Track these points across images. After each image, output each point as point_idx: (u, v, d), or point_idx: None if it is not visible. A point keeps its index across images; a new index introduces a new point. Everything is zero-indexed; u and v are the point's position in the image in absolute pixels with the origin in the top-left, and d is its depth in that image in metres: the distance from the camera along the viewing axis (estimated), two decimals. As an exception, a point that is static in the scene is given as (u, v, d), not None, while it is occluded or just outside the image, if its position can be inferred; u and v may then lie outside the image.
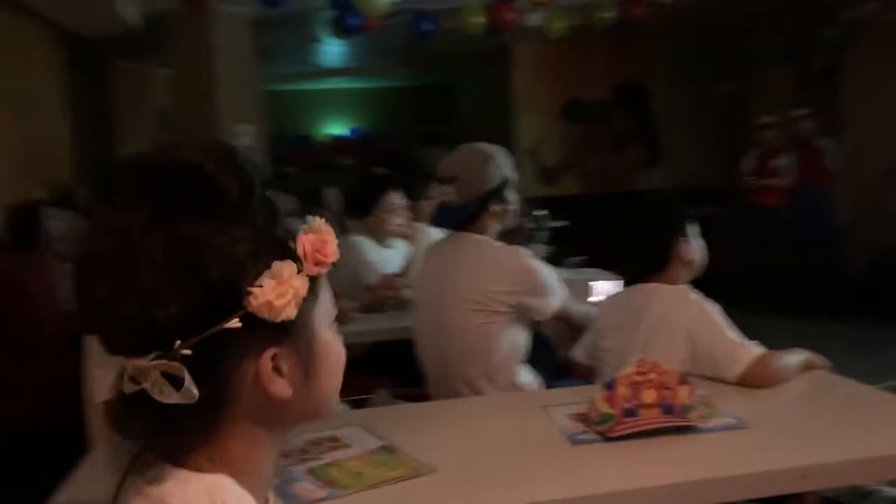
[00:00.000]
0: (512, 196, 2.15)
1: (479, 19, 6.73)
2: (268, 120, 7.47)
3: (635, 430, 1.39)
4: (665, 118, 8.03)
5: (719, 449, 1.37)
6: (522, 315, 2.08)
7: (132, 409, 0.65)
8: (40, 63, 5.97)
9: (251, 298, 0.63)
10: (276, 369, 0.67)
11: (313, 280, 0.69)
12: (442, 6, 6.78)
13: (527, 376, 2.16)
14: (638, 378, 1.41)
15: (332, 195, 5.54)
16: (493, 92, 9.36)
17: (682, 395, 1.41)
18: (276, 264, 0.64)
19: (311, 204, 5.42)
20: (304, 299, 0.67)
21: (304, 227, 0.70)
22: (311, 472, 1.30)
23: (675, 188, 6.75)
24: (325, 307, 0.73)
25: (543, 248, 3.69)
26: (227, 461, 0.68)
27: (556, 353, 2.37)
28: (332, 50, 9.13)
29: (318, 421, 0.78)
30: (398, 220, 3.07)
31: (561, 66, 8.20)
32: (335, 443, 1.43)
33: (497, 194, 2.10)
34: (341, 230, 3.86)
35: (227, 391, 0.66)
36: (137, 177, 0.65)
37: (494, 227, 2.13)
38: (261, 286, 0.63)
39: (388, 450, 1.39)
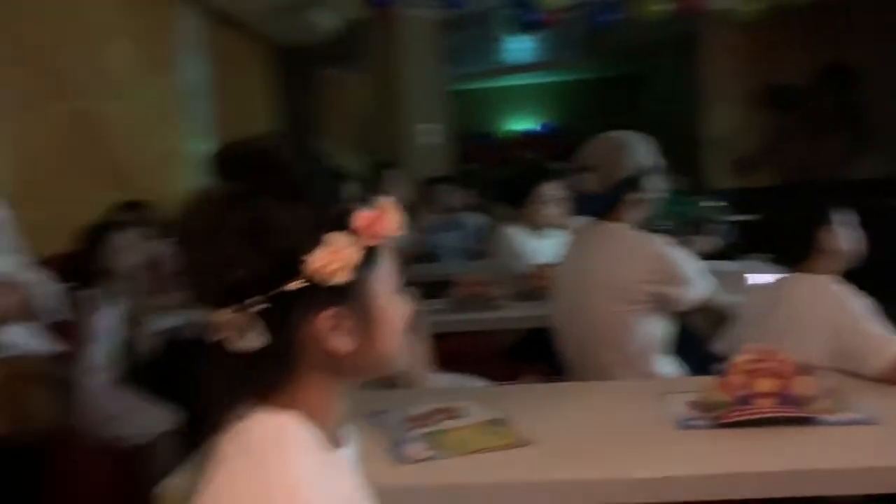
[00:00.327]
0: (652, 185, 2.13)
1: (664, 6, 6.54)
2: (453, 118, 7.76)
3: (748, 417, 1.36)
4: (878, 101, 7.28)
5: (838, 441, 1.30)
6: (661, 305, 2.05)
7: (219, 362, 0.80)
8: (254, 73, 6.70)
9: (306, 265, 0.75)
10: (336, 327, 0.79)
11: (371, 250, 0.80)
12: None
13: (668, 367, 2.13)
14: (754, 366, 1.38)
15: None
16: (682, 81, 9.02)
17: (801, 385, 1.35)
18: (329, 236, 0.76)
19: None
20: (361, 267, 0.78)
21: (368, 204, 0.82)
22: (423, 436, 1.42)
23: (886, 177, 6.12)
24: (387, 275, 0.83)
25: (715, 242, 3.56)
26: (298, 404, 0.80)
27: (703, 345, 2.31)
28: (516, 46, 9.29)
29: (378, 375, 0.89)
30: (553, 210, 3.10)
31: (754, 52, 7.69)
32: (451, 413, 1.53)
33: (632, 183, 2.09)
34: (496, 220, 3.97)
35: (294, 344, 0.78)
36: (227, 160, 0.80)
37: (633, 215, 2.12)
38: (314, 255, 0.75)
39: (497, 422, 1.47)
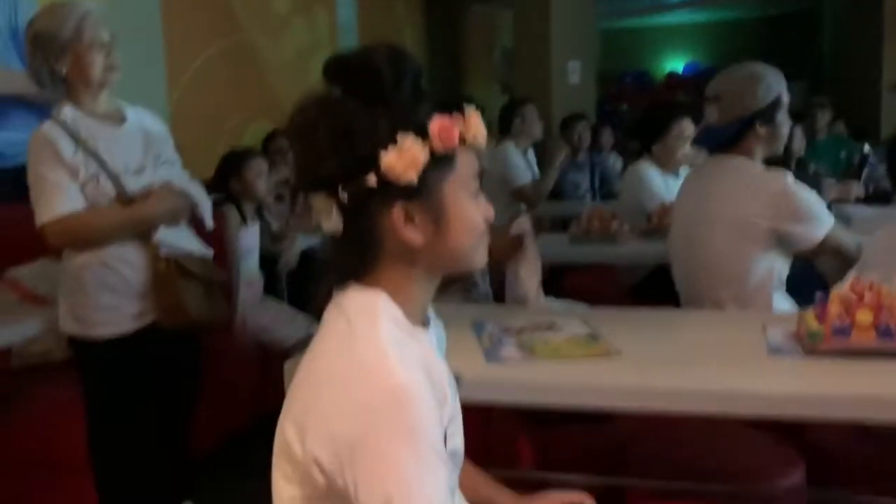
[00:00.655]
0: (783, 120, 2.07)
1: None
2: (597, 57, 7.58)
3: (844, 348, 1.36)
4: None
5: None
6: (782, 243, 2.01)
7: (326, 238, 0.94)
8: (400, 9, 6.87)
9: (381, 163, 0.86)
10: (407, 221, 0.90)
11: (445, 154, 0.90)
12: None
13: (785, 307, 2.09)
14: (854, 297, 1.37)
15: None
16: (860, 20, 8.27)
17: (903, 319, 1.33)
18: (403, 138, 0.87)
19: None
20: (434, 168, 0.89)
21: (454, 113, 0.92)
22: (520, 343, 1.53)
23: None
24: (462, 179, 0.93)
25: (858, 186, 3.37)
26: (384, 285, 0.93)
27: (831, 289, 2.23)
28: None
29: (462, 270, 0.99)
30: (687, 148, 3.06)
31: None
32: (550, 327, 1.63)
33: (765, 115, 2.03)
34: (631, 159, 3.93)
35: (373, 232, 0.91)
36: (332, 67, 0.92)
37: (760, 150, 2.07)
38: (389, 154, 0.86)
39: (591, 336, 1.55)
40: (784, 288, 2.09)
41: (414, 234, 0.90)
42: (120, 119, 1.98)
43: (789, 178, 2.00)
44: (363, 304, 0.92)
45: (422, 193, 0.89)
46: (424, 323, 1.00)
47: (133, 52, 3.41)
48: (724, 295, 2.06)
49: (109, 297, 1.91)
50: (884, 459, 1.62)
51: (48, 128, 1.85)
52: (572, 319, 1.68)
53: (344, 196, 0.88)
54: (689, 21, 10.69)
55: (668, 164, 3.14)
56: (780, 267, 2.05)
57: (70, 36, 1.84)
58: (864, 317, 1.35)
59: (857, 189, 3.39)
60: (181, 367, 2.09)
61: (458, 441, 0.96)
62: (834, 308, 1.38)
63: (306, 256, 3.38)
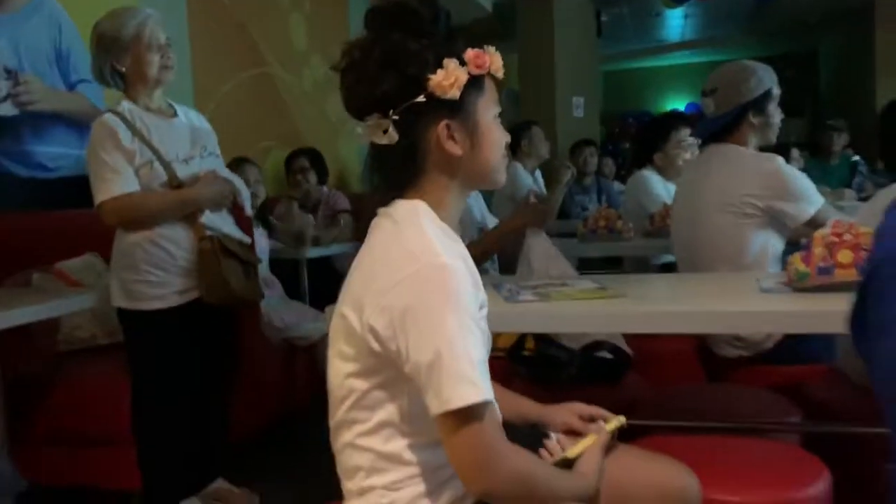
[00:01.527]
0: (774, 111, 2.26)
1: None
2: (600, 95, 7.85)
3: (829, 284, 1.51)
4: None
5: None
6: (775, 220, 2.17)
7: (371, 161, 1.12)
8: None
9: (429, 81, 1.05)
10: (450, 136, 1.08)
11: (478, 79, 1.08)
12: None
13: (781, 282, 2.24)
14: (834, 238, 1.53)
15: None
16: (854, 56, 8.58)
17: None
18: (447, 61, 1.05)
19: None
20: (469, 90, 1.07)
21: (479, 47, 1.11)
22: (537, 293, 1.69)
23: None
24: (489, 101, 1.12)
25: (850, 193, 3.54)
26: (425, 196, 1.11)
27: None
28: (675, 23, 9.19)
29: (488, 186, 1.17)
30: (686, 156, 3.25)
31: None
32: (563, 284, 1.79)
33: (757, 105, 2.22)
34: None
35: (421, 144, 1.09)
36: (375, 13, 1.11)
37: (753, 139, 2.26)
38: (435, 75, 1.05)
39: (600, 288, 1.71)
40: (780, 265, 2.25)
41: (454, 147, 1.08)
42: (171, 114, 2.19)
43: (781, 160, 2.18)
44: (408, 209, 1.10)
45: (461, 111, 1.08)
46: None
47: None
48: (722, 270, 2.22)
49: (158, 273, 2.08)
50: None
51: (109, 118, 2.06)
52: (583, 280, 1.85)
53: (395, 114, 1.06)
54: (691, 62, 11.04)
55: (668, 172, 3.33)
56: (774, 243, 2.21)
57: (131, 37, 2.07)
58: (844, 257, 1.51)
59: (849, 194, 3.57)
60: (222, 342, 2.25)
61: (485, 326, 1.12)
62: (818, 250, 1.54)
63: (326, 263, 3.56)
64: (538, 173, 4.49)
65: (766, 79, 2.24)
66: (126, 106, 2.10)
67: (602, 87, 8.35)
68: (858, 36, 8.28)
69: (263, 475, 2.60)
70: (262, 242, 3.25)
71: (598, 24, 7.44)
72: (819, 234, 1.55)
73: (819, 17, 8.60)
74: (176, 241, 2.10)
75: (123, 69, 2.10)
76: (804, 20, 8.84)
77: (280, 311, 3.16)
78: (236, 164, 3.34)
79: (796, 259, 1.58)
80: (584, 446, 1.18)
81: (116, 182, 2.01)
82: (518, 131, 4.34)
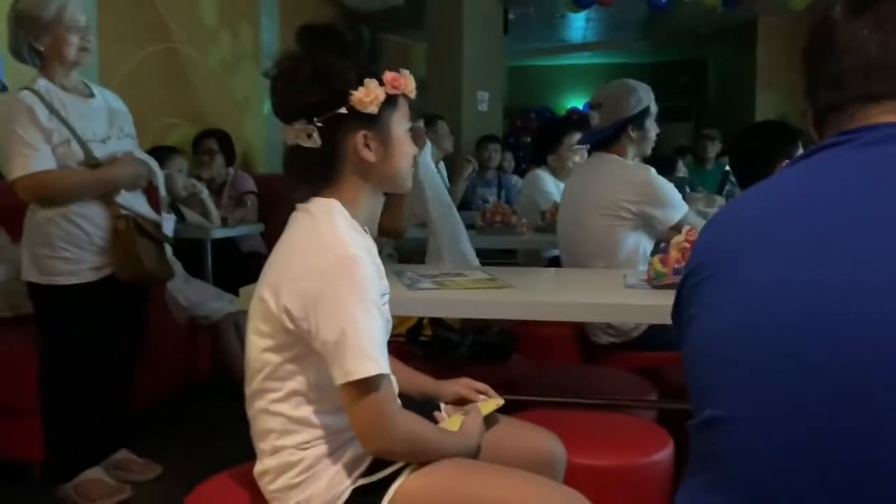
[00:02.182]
0: (651, 126, 2.54)
1: (716, -8, 6.78)
2: (505, 91, 8.13)
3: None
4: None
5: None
6: (646, 223, 2.45)
7: (293, 160, 1.27)
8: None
9: (351, 97, 1.21)
10: (367, 145, 1.25)
11: (394, 97, 1.26)
12: (680, -21, 6.92)
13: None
14: (686, 244, 1.80)
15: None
16: (739, 68, 9.24)
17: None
18: (368, 81, 1.22)
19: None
20: (385, 106, 1.24)
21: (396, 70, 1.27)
22: (435, 282, 1.88)
23: None
24: (402, 117, 1.29)
25: (720, 199, 3.93)
26: (341, 195, 1.27)
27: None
28: (578, 26, 9.58)
29: (396, 191, 1.35)
30: (576, 158, 3.53)
31: (806, 39, 7.85)
32: (458, 275, 1.99)
33: (636, 121, 2.50)
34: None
35: (339, 150, 1.25)
36: (307, 31, 1.26)
37: (632, 151, 2.53)
38: (357, 91, 1.21)
39: (491, 279, 1.92)
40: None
41: (369, 155, 1.25)
42: (87, 94, 2.24)
43: (653, 171, 2.46)
44: (324, 206, 1.26)
45: (377, 123, 1.25)
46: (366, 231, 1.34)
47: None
48: (598, 266, 2.48)
49: (73, 250, 2.14)
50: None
51: (26, 94, 2.09)
52: (476, 271, 2.06)
53: (319, 122, 1.22)
54: (591, 63, 11.53)
55: (560, 172, 3.61)
56: (644, 244, 2.49)
57: (51, 18, 2.11)
58: (694, 259, 1.78)
59: (720, 201, 3.95)
60: (131, 317, 2.33)
61: (387, 311, 1.30)
62: (673, 253, 1.80)
63: (230, 243, 3.64)
64: (442, 165, 4.69)
65: (645, 97, 2.51)
66: (42, 84, 2.14)
67: (507, 82, 8.62)
68: (742, 50, 8.91)
69: (165, 445, 2.68)
70: (167, 229, 3.29)
71: (506, 22, 7.69)
72: (675, 239, 1.82)
73: (708, 28, 9.19)
74: (91, 219, 2.17)
75: (42, 48, 2.13)
76: (694, 31, 9.42)
77: (185, 290, 3.23)
78: (164, 155, 3.35)
79: (655, 260, 1.84)
80: (459, 421, 1.37)
81: (33, 158, 2.06)
82: (423, 125, 4.51)
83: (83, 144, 2.13)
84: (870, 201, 0.75)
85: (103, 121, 2.23)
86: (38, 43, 2.13)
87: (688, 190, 4.14)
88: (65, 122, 2.11)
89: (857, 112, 0.86)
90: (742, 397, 0.76)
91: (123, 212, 2.20)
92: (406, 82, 1.28)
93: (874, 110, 0.84)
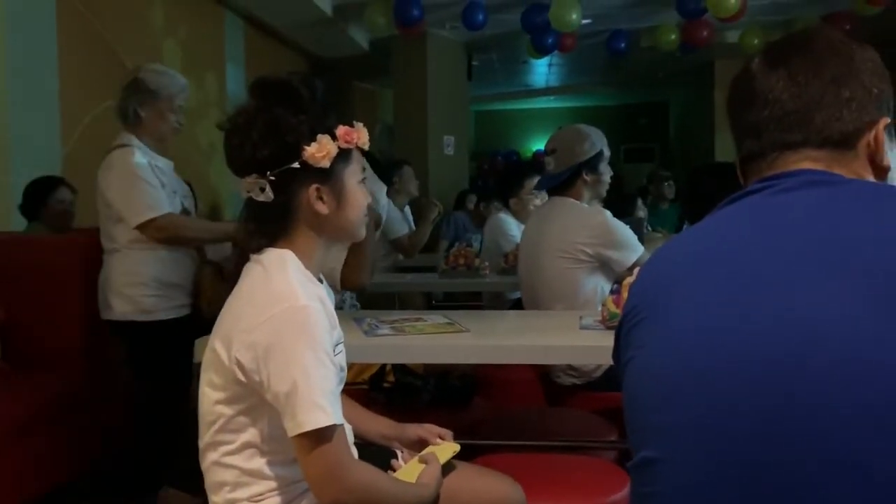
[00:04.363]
0: (605, 169, 2.60)
1: (672, 37, 7.00)
2: (471, 134, 8.28)
3: (632, 324, 1.81)
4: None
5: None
6: (604, 265, 2.50)
7: (247, 212, 1.29)
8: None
9: (304, 151, 1.23)
10: (319, 197, 1.27)
11: (347, 151, 1.28)
12: (638, 25, 7.14)
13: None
14: (638, 286, 1.84)
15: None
16: (699, 109, 9.50)
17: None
18: (320, 136, 1.25)
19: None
20: (338, 160, 1.27)
21: (348, 124, 1.31)
22: (394, 327, 1.89)
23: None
24: (355, 169, 1.32)
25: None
26: (294, 246, 1.29)
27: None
28: (541, 71, 9.81)
29: (350, 241, 1.37)
30: (537, 202, 3.59)
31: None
32: (418, 320, 2.01)
33: (590, 165, 2.56)
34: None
35: (292, 203, 1.27)
36: (261, 86, 1.29)
37: (587, 194, 2.59)
38: (310, 147, 1.24)
39: (449, 323, 1.94)
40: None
41: (322, 207, 1.27)
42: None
43: (608, 214, 2.52)
44: (276, 257, 1.28)
45: (330, 177, 1.27)
46: (320, 281, 1.36)
47: (31, 100, 3.61)
48: (558, 307, 2.52)
49: (161, 288, 2.39)
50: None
51: (134, 149, 2.37)
52: (436, 315, 2.08)
53: (272, 175, 1.24)
54: (556, 106, 11.77)
55: (521, 215, 3.66)
56: (602, 285, 2.54)
57: (165, 97, 2.44)
58: (646, 300, 1.82)
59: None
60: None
61: (342, 359, 1.31)
62: (625, 294, 1.84)
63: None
64: (407, 209, 4.73)
65: (598, 142, 2.58)
66: (136, 142, 2.42)
67: (473, 126, 8.78)
68: (701, 92, 9.18)
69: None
70: None
71: (469, 68, 7.85)
72: (627, 281, 1.86)
73: (667, 72, 9.47)
74: (181, 262, 2.43)
75: (143, 115, 2.43)
76: (654, 74, 9.70)
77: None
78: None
79: (609, 301, 1.88)
80: (418, 470, 1.37)
81: (162, 202, 2.32)
82: (390, 170, 4.56)
83: (177, 198, 2.44)
84: (775, 247, 0.79)
85: (175, 180, 2.53)
86: (142, 109, 2.43)
87: (648, 230, 4.23)
88: (158, 177, 2.38)
89: (776, 160, 0.90)
90: (670, 439, 0.79)
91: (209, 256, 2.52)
92: (359, 135, 1.31)
93: (791, 158, 0.89)
